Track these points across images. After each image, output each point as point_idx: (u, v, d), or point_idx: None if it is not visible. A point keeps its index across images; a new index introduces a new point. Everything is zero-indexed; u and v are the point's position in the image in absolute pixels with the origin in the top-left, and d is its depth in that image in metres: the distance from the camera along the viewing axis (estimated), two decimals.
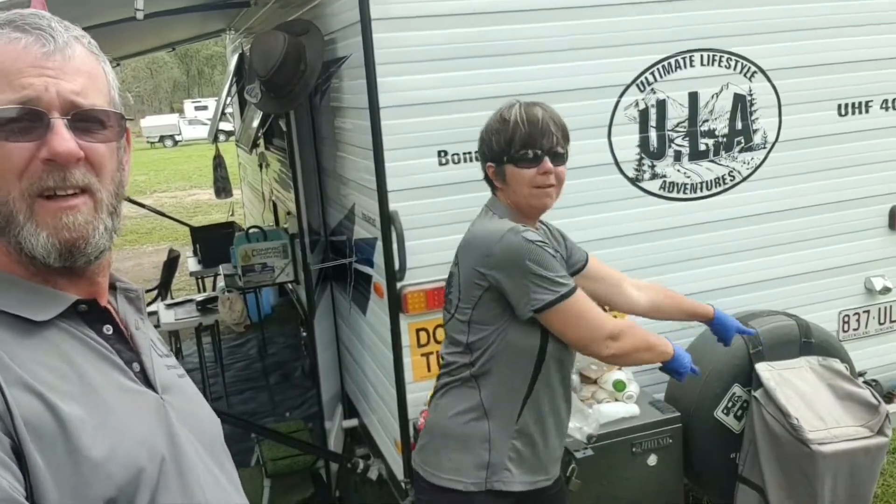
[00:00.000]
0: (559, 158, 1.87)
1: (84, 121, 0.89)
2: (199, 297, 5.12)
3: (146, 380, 0.96)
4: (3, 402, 0.79)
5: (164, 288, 5.92)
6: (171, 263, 5.98)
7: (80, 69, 0.90)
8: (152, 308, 5.33)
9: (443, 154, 2.64)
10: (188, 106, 35.70)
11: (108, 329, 0.96)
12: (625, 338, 1.86)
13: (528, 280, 1.77)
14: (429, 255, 2.67)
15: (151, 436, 0.91)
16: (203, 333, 5.08)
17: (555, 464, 2.01)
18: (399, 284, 2.65)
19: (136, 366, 0.96)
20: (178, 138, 32.77)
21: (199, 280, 6.44)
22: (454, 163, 2.65)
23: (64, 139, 0.86)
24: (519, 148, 1.84)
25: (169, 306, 5.07)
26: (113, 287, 1.05)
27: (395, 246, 2.60)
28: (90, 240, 0.90)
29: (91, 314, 0.94)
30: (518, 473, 1.88)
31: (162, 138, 33.06)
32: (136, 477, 0.86)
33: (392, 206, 2.60)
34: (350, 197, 3.09)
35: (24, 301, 0.89)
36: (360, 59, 2.54)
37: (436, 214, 2.67)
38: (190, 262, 6.18)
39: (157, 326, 4.90)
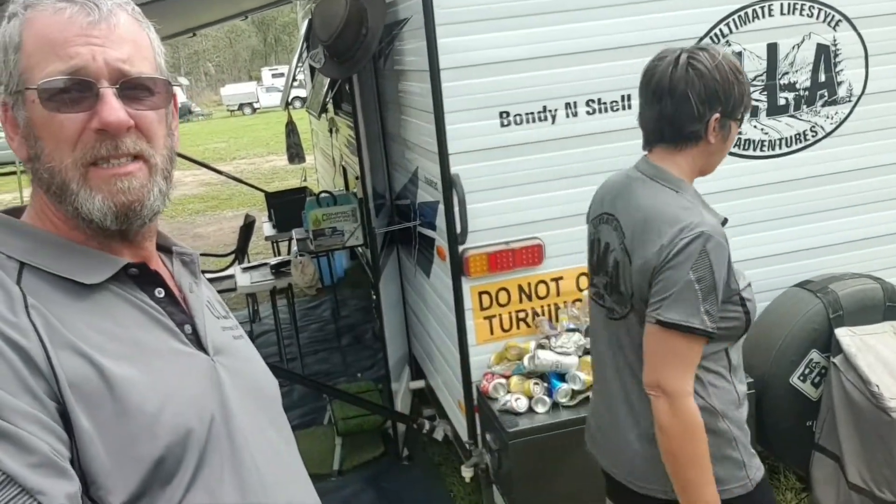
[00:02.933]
0: None
1: (132, 88, 0.90)
2: (274, 260, 5.25)
3: (198, 342, 0.97)
4: (49, 366, 0.81)
5: (240, 252, 6.09)
6: (248, 228, 6.14)
7: (126, 37, 0.90)
8: (230, 271, 5.51)
9: (504, 115, 2.59)
10: (265, 73, 36.37)
11: (159, 292, 0.97)
12: (682, 415, 1.54)
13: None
14: (491, 219, 2.65)
15: (201, 397, 0.92)
16: (278, 296, 5.22)
17: None
18: (461, 248, 2.64)
19: (188, 328, 0.97)
20: (256, 106, 33.51)
21: (275, 244, 6.60)
22: (516, 124, 2.60)
23: (114, 109, 0.87)
24: (746, 106, 1.63)
25: (245, 270, 5.21)
26: (169, 251, 1.07)
27: (456, 209, 2.58)
28: (146, 202, 0.92)
29: (142, 277, 0.96)
30: (755, 455, 1.71)
31: (241, 106, 33.88)
32: (184, 437, 0.87)
33: (453, 169, 2.58)
34: (414, 161, 3.08)
35: (77, 265, 0.90)
36: (421, 21, 2.50)
37: (498, 177, 2.63)
38: (265, 227, 6.33)
39: (233, 290, 5.06)
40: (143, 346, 0.90)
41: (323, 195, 4.69)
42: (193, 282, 1.05)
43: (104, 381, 0.83)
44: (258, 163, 16.41)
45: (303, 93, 10.96)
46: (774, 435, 2.73)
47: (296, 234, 5.36)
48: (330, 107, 5.06)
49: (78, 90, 0.86)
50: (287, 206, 5.86)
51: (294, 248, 5.45)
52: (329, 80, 4.22)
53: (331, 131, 5.65)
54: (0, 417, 0.76)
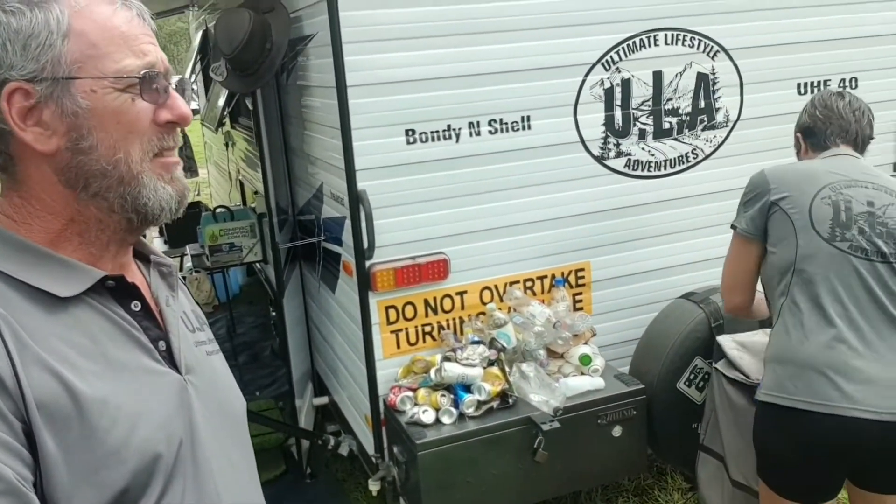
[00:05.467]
0: None
1: (177, 88, 0.95)
2: None
3: (171, 359, 0.95)
4: (17, 384, 0.78)
5: None
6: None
7: (153, 37, 0.95)
8: None
9: (410, 133, 2.65)
10: None
11: (136, 305, 0.94)
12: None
13: None
14: (397, 234, 2.69)
15: (171, 419, 0.90)
16: None
17: None
18: (368, 263, 2.67)
19: (161, 344, 0.95)
20: None
21: None
22: (422, 141, 2.67)
23: (184, 102, 0.94)
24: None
25: None
26: (147, 261, 1.04)
27: (363, 224, 2.61)
28: (186, 191, 0.98)
29: (119, 290, 0.93)
30: None
31: None
32: (151, 462, 0.85)
33: (360, 185, 2.61)
34: (318, 176, 3.09)
35: (52, 275, 0.87)
36: (327, 38, 2.53)
37: (404, 193, 2.69)
38: (157, 243, 6.10)
39: None
40: (115, 363, 0.87)
41: (219, 210, 4.59)
42: (170, 294, 1.03)
43: (73, 402, 0.80)
44: None
45: (194, 105, 10.65)
46: (663, 437, 2.89)
47: (190, 249, 5.21)
48: (227, 121, 4.96)
49: (153, 84, 0.90)
50: (181, 222, 5.65)
51: (188, 264, 5.29)
52: (226, 93, 4.15)
53: (227, 145, 5.54)
54: None
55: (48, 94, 0.86)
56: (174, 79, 0.95)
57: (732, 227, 2.31)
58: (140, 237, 1.03)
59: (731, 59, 3.04)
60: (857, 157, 2.27)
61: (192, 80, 5.97)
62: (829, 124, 2.29)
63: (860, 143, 2.30)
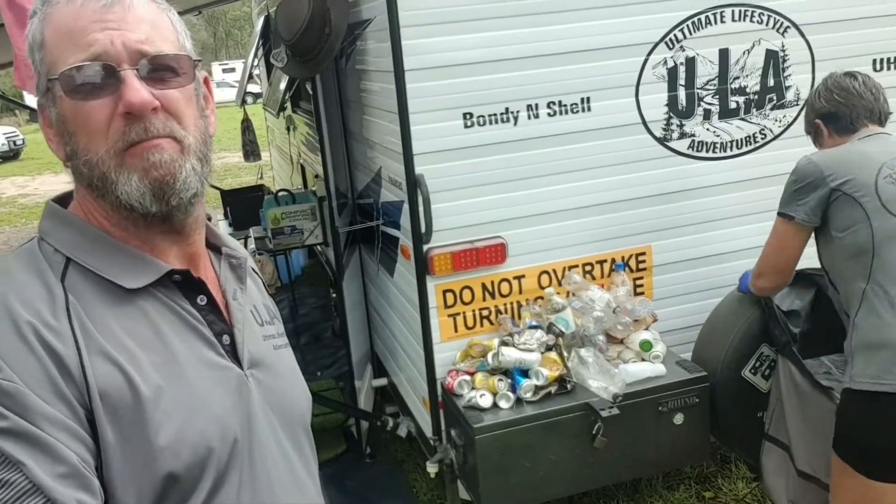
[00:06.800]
0: None
1: (154, 69, 0.87)
2: None
3: (235, 353, 0.95)
4: (82, 373, 0.80)
5: None
6: None
7: (142, 17, 0.88)
8: None
9: (468, 117, 2.63)
10: (216, 68, 35.70)
11: (202, 299, 0.95)
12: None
13: None
14: (455, 218, 2.69)
15: (227, 415, 0.90)
16: None
17: None
18: (425, 247, 2.68)
19: (226, 338, 0.95)
20: None
21: None
22: (479, 125, 2.65)
23: (136, 89, 0.85)
24: None
25: None
26: (219, 252, 1.05)
27: (421, 209, 2.62)
28: (178, 176, 0.88)
29: (185, 283, 0.94)
30: None
31: None
32: (204, 457, 0.85)
33: (418, 169, 2.62)
34: (377, 160, 3.10)
35: (121, 267, 0.89)
36: (385, 22, 2.53)
37: (461, 177, 2.68)
38: (221, 225, 6.25)
39: None
40: (177, 355, 0.88)
41: (281, 193, 4.66)
42: (239, 287, 1.03)
43: (133, 393, 0.82)
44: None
45: (257, 89, 10.83)
46: (727, 426, 2.83)
47: (253, 232, 5.31)
48: (288, 105, 5.03)
49: (100, 76, 0.85)
50: (244, 205, 5.80)
51: (252, 246, 5.41)
52: (288, 78, 4.20)
53: (288, 129, 5.62)
54: (33, 424, 0.76)
55: (46, 104, 0.90)
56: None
57: (784, 215, 2.28)
58: (212, 228, 1.03)
59: (802, 35, 2.92)
60: (890, 134, 2.27)
61: (255, 64, 6.07)
62: (852, 106, 2.27)
63: (884, 119, 2.30)
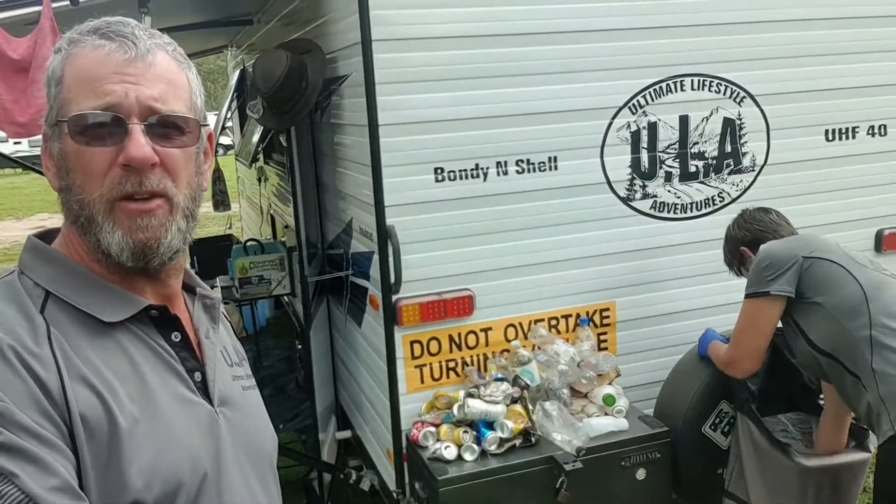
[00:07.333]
0: None
1: (162, 126, 0.91)
2: None
3: (206, 390, 0.98)
4: (63, 394, 0.82)
5: None
6: None
7: (161, 76, 0.92)
8: None
9: (439, 171, 2.71)
10: None
11: (176, 336, 0.98)
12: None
13: None
14: (424, 269, 2.73)
15: (197, 449, 0.92)
16: None
17: None
18: (394, 297, 2.71)
19: (197, 375, 0.98)
20: None
21: None
22: (450, 180, 2.72)
23: (139, 145, 0.88)
24: None
25: None
26: (193, 292, 1.08)
27: (391, 259, 2.66)
28: (162, 241, 0.92)
29: (161, 319, 0.97)
30: None
31: None
32: (175, 489, 0.87)
33: (389, 220, 2.66)
34: (348, 211, 3.15)
35: (99, 301, 0.92)
36: (361, 79, 2.61)
37: (431, 230, 2.73)
38: None
39: None
40: (152, 389, 0.90)
41: (250, 243, 4.67)
42: (211, 327, 1.06)
43: (109, 421, 0.84)
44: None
45: (228, 140, 10.89)
46: (688, 482, 2.85)
47: (220, 281, 5.29)
48: (261, 156, 5.08)
49: (108, 125, 0.89)
50: (211, 254, 5.78)
51: (217, 295, 5.36)
52: (261, 130, 4.26)
53: (259, 180, 5.66)
54: (25, 441, 0.77)
55: (50, 135, 0.94)
56: (211, 117, 0.97)
57: (755, 294, 2.41)
58: (188, 269, 1.07)
59: (757, 104, 3.07)
60: None
61: (228, 116, 6.14)
62: (775, 232, 2.55)
63: None
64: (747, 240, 2.62)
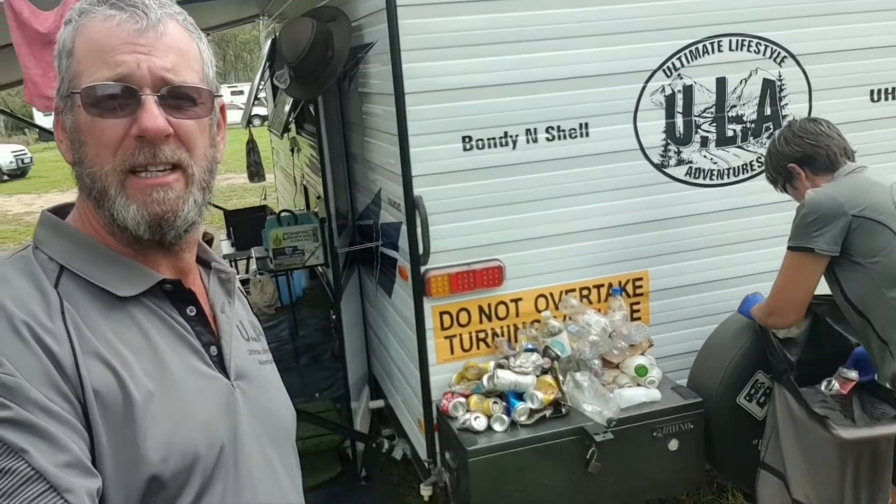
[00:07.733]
0: None
1: (175, 97, 0.90)
2: None
3: (222, 364, 0.97)
4: (76, 370, 0.82)
5: None
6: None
7: (173, 46, 0.91)
8: None
9: (467, 140, 2.66)
10: (225, 90, 35.99)
11: (191, 310, 0.97)
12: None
13: None
14: (453, 240, 2.71)
15: (214, 423, 0.92)
16: None
17: None
18: (423, 268, 2.69)
19: (213, 349, 0.97)
20: None
21: (233, 262, 6.53)
22: (478, 148, 2.68)
23: (153, 116, 0.87)
24: None
25: None
26: (208, 266, 1.07)
27: (419, 230, 2.64)
28: (179, 213, 0.91)
29: (176, 294, 0.96)
30: None
31: None
32: (191, 463, 0.87)
33: (416, 191, 2.64)
34: (377, 182, 3.13)
35: (113, 275, 0.91)
36: (386, 46, 2.57)
37: (460, 199, 2.70)
38: (223, 245, 6.28)
39: None
40: (167, 363, 0.90)
41: (284, 214, 4.69)
42: (227, 301, 1.05)
43: (124, 396, 0.84)
44: (216, 180, 16.20)
45: (263, 111, 10.94)
46: (722, 454, 2.82)
47: (255, 252, 5.34)
48: (292, 126, 5.08)
49: (122, 96, 0.87)
50: (246, 225, 5.83)
51: (253, 266, 5.43)
52: (292, 100, 4.25)
53: (292, 150, 5.67)
54: (36, 417, 0.77)
55: (63, 108, 0.92)
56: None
57: (799, 248, 2.31)
58: (202, 243, 1.06)
59: (799, 64, 2.95)
60: (866, 166, 2.38)
61: (261, 86, 6.14)
62: (826, 147, 2.37)
63: (853, 156, 2.41)
64: (798, 155, 2.41)
